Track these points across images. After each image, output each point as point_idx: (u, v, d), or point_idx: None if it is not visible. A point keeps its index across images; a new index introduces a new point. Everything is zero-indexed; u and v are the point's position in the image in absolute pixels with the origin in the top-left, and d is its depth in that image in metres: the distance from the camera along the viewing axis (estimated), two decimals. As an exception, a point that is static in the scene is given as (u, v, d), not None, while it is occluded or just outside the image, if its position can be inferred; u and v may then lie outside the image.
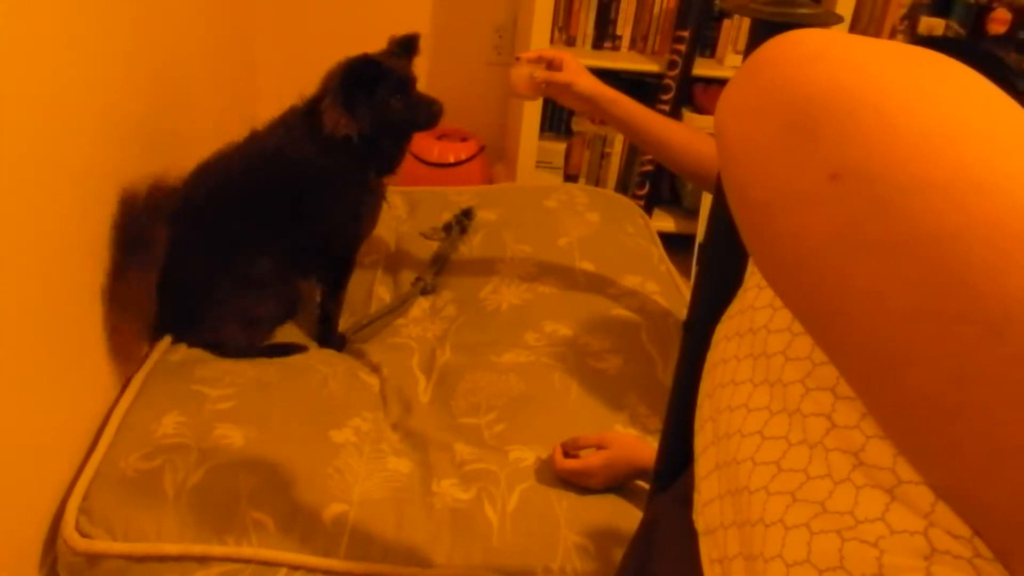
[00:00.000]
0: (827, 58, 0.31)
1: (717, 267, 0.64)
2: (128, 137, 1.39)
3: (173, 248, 1.45)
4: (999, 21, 2.32)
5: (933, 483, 0.30)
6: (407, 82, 1.48)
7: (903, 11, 2.33)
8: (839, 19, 0.57)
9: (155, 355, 1.43)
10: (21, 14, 1.00)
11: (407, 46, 1.51)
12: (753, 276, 0.53)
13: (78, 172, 1.19)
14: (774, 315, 0.48)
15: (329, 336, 1.59)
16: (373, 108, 1.43)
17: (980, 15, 2.34)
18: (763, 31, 0.55)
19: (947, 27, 2.34)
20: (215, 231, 1.47)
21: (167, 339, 1.48)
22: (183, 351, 1.45)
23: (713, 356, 0.55)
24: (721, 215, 0.62)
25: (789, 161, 0.31)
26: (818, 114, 0.30)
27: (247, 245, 1.48)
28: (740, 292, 0.55)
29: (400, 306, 1.67)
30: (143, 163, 1.44)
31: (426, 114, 1.48)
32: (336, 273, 1.60)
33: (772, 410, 0.45)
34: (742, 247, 0.37)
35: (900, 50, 0.31)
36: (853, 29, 2.29)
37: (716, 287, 0.61)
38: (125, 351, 1.38)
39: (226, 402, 1.29)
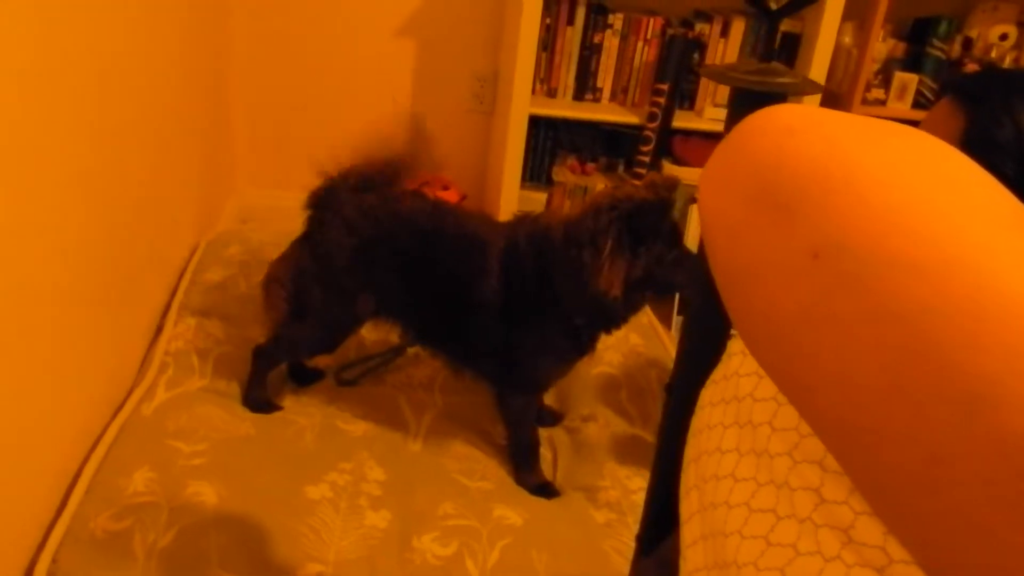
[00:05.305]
0: (799, 134, 0.31)
1: (701, 331, 0.64)
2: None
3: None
4: (969, 76, 2.37)
5: (917, 561, 0.29)
6: (679, 233, 1.21)
7: (877, 66, 2.38)
8: (818, 87, 0.57)
9: (128, 406, 1.39)
10: None
11: (668, 194, 1.19)
12: (737, 342, 0.53)
13: (59, 228, 1.18)
14: (759, 383, 0.47)
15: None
16: (647, 262, 1.17)
17: (951, 70, 2.40)
18: (743, 99, 0.55)
19: (920, 82, 2.39)
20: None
21: (140, 388, 1.44)
22: (157, 401, 1.41)
23: (698, 421, 0.54)
24: (705, 281, 0.61)
25: (763, 235, 0.30)
26: (791, 190, 0.30)
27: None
28: (725, 357, 0.54)
29: (391, 352, 1.65)
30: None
31: (690, 273, 1.20)
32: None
33: (759, 481, 0.44)
34: (725, 312, 0.36)
35: (872, 125, 0.32)
36: (829, 84, 2.33)
37: (700, 350, 0.61)
38: (99, 400, 1.35)
39: (199, 458, 1.26)
